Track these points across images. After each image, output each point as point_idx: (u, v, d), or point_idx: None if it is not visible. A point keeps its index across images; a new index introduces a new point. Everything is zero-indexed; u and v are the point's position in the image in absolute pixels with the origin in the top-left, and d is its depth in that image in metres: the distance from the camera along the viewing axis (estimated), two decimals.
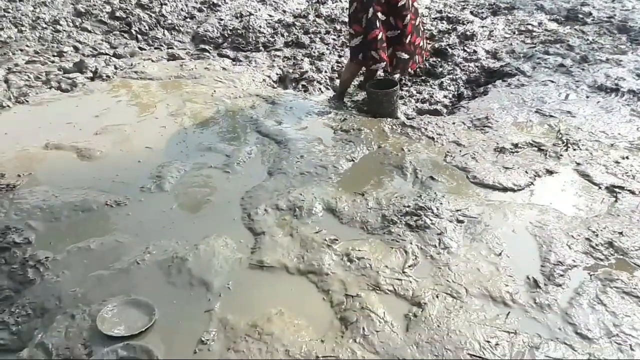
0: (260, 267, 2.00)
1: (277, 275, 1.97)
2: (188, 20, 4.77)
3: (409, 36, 3.29)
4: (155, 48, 4.31)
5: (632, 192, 2.57)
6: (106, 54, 4.09)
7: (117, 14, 4.65)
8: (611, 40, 5.07)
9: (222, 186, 2.53)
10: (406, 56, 3.36)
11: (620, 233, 2.23)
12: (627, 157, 2.90)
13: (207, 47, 4.41)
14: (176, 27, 4.61)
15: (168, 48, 4.34)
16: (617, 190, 2.58)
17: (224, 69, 3.96)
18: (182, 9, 4.92)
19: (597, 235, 2.21)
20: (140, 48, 4.30)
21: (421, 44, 3.47)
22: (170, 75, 3.77)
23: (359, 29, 3.19)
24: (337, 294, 1.87)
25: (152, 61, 4.05)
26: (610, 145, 3.06)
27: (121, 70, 3.84)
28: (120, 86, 3.62)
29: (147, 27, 4.56)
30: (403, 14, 3.20)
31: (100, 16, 4.60)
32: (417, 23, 3.33)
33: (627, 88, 3.88)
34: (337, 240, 2.14)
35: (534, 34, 5.23)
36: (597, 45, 4.89)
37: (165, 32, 4.55)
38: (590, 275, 1.99)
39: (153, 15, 4.71)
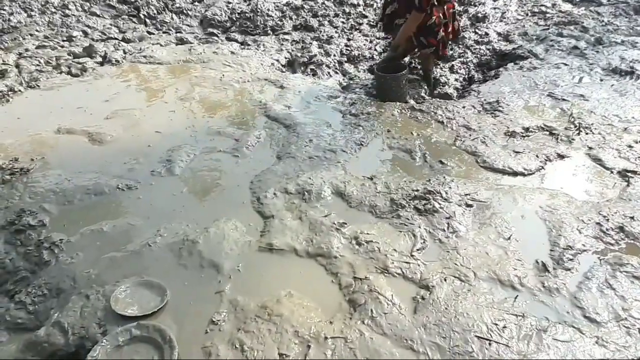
0: (269, 250, 2.02)
1: (286, 258, 2.00)
2: (196, 3, 4.73)
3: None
4: (164, 32, 4.30)
5: None
6: (115, 39, 4.09)
7: None
8: (627, 22, 4.94)
9: (232, 170, 2.55)
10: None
11: (632, 218, 2.20)
12: None
13: (215, 30, 4.38)
14: (184, 11, 4.58)
15: (176, 32, 4.33)
16: (629, 174, 2.55)
17: (232, 53, 3.95)
18: None
19: (607, 220, 2.19)
20: (148, 32, 4.29)
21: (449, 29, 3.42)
22: (178, 60, 3.76)
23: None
24: (345, 277, 1.89)
25: (161, 45, 4.05)
26: (624, 129, 3.01)
27: (130, 54, 3.84)
28: (130, 71, 3.63)
29: (155, 11, 4.54)
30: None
31: (109, 1, 4.58)
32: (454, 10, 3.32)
33: None
34: (345, 223, 2.15)
35: (548, 15, 5.11)
36: (612, 26, 4.77)
37: (174, 16, 4.53)
38: (600, 260, 1.98)
39: None
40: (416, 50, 3.50)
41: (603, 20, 4.94)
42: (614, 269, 1.92)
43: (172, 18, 4.48)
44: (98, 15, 4.40)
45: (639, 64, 3.94)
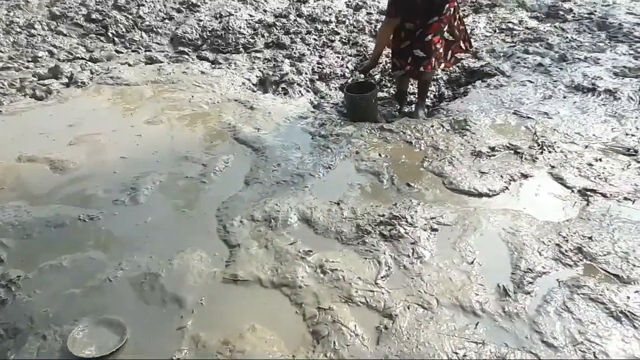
0: (234, 281, 2.00)
1: (250, 289, 1.98)
2: (166, 21, 4.70)
3: (430, 35, 3.18)
4: (133, 51, 4.25)
5: (604, 195, 2.60)
6: (82, 59, 4.03)
7: (93, 16, 4.57)
8: (590, 38, 5.10)
9: (198, 197, 2.53)
10: (422, 54, 3.27)
11: (590, 238, 2.26)
12: (600, 159, 2.94)
13: (186, 49, 4.37)
14: (154, 29, 4.55)
15: (146, 51, 4.29)
16: (589, 193, 2.62)
17: (202, 72, 3.93)
18: (160, 10, 4.85)
19: (567, 241, 2.24)
20: (117, 51, 4.24)
21: (441, 50, 3.36)
22: (147, 80, 3.73)
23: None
24: (309, 307, 1.88)
25: (129, 65, 4.00)
26: (585, 147, 3.10)
27: (97, 75, 3.79)
28: (96, 93, 3.58)
29: (124, 30, 4.49)
30: (431, 13, 3.11)
31: (76, 19, 4.52)
32: (444, 27, 3.23)
33: (604, 88, 3.92)
34: (311, 251, 2.15)
35: (515, 32, 5.25)
36: (576, 43, 4.92)
37: (143, 34, 4.49)
38: (559, 282, 2.02)
39: (130, 17, 4.64)
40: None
41: (567, 37, 5.10)
42: (571, 292, 1.97)
43: (141, 36, 4.45)
44: (65, 35, 4.34)
45: (600, 80, 4.07)
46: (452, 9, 3.19)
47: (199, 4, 5.06)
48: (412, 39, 3.20)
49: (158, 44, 4.42)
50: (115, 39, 4.42)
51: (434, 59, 3.31)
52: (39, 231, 2.24)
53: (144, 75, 3.83)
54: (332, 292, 1.95)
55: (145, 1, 4.94)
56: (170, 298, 1.90)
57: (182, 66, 4.01)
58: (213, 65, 4.16)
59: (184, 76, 3.83)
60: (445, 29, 3.21)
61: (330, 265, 2.07)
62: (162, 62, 4.12)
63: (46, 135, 3.01)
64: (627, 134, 3.28)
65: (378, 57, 3.42)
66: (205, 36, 4.56)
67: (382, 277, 2.02)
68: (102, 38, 4.43)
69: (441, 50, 3.33)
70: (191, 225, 2.34)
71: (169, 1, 5.04)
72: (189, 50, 4.38)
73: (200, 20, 4.76)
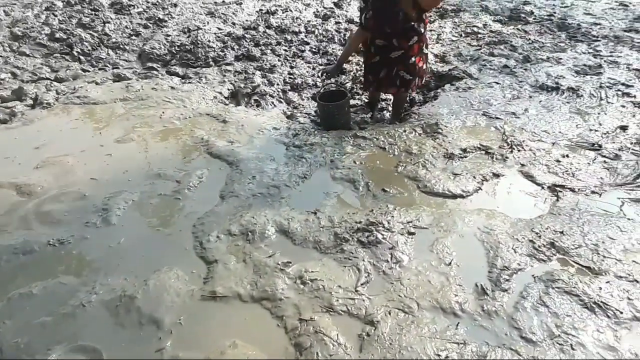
0: (212, 298, 1.97)
1: (230, 304, 1.95)
2: (133, 37, 4.64)
3: (414, 58, 3.22)
4: (100, 69, 4.18)
5: (572, 190, 2.69)
6: (47, 79, 3.93)
7: (57, 35, 4.47)
8: (551, 39, 5.29)
9: (173, 214, 2.48)
10: (409, 76, 3.32)
11: (562, 232, 2.33)
12: (567, 155, 3.04)
13: (154, 65, 4.31)
14: (121, 46, 4.48)
15: (113, 68, 4.22)
16: (558, 189, 2.70)
17: (172, 88, 3.88)
18: (126, 27, 4.79)
19: (540, 237, 2.30)
20: (83, 70, 4.16)
21: (424, 67, 3.42)
22: (115, 98, 3.66)
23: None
24: (291, 319, 1.87)
25: (97, 83, 3.93)
26: (552, 144, 3.19)
27: (63, 95, 3.69)
28: (62, 113, 3.49)
29: (90, 48, 4.41)
30: (410, 35, 3.13)
31: (39, 39, 4.41)
32: (423, 46, 3.25)
33: (567, 86, 4.06)
34: (290, 262, 2.14)
35: (480, 35, 5.40)
36: (538, 44, 5.10)
37: (110, 51, 4.41)
38: (534, 278, 2.07)
39: (96, 34, 4.56)
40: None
41: (530, 38, 5.28)
42: (546, 286, 2.01)
43: (108, 54, 4.37)
44: (28, 55, 4.22)
45: (563, 79, 4.22)
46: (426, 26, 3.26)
47: (166, 19, 5.02)
48: (382, 55, 3.22)
49: (126, 60, 4.35)
50: (81, 57, 4.33)
51: (418, 79, 3.41)
52: (7, 259, 2.16)
53: (112, 93, 3.76)
54: (313, 302, 1.94)
55: (111, 18, 4.87)
56: (148, 320, 1.86)
57: (151, 82, 3.95)
58: (183, 80, 4.12)
59: (153, 92, 3.78)
60: (424, 47, 3.29)
61: (310, 275, 2.06)
62: (130, 79, 4.05)
63: (11, 160, 2.91)
64: (590, 130, 3.40)
65: (343, 63, 3.44)
66: (174, 51, 4.52)
67: (362, 284, 2.03)
68: (67, 57, 4.33)
69: (424, 67, 3.42)
70: (167, 244, 2.29)
71: (135, 17, 4.98)
72: (158, 65, 4.32)
73: (168, 36, 4.72)
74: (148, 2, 5.45)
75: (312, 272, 2.08)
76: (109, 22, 4.76)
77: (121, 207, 2.50)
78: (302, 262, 2.14)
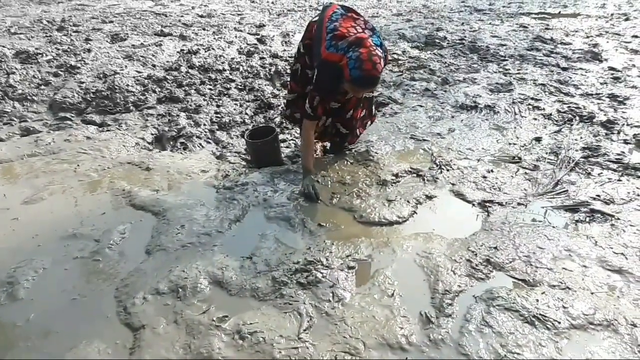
0: None
1: None
2: (42, 87, 4.32)
3: (351, 111, 3.15)
4: (5, 124, 3.81)
5: (501, 204, 2.78)
6: None
7: None
8: (465, 61, 5.65)
9: (92, 279, 2.23)
10: (345, 131, 3.27)
11: (495, 248, 2.37)
12: (492, 171, 3.16)
13: (68, 114, 4.02)
14: (28, 97, 4.14)
15: (20, 122, 3.87)
16: (487, 204, 2.78)
17: (88, 138, 3.62)
18: (34, 76, 4.46)
19: (476, 255, 2.32)
20: None
21: (362, 114, 3.33)
22: (22, 155, 3.33)
23: (296, 87, 3.25)
24: None
25: (1, 140, 3.57)
26: (477, 161, 3.32)
27: None
28: None
29: None
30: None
31: None
32: (361, 97, 3.09)
33: (484, 104, 4.31)
34: (226, 316, 1.98)
35: (400, 61, 5.64)
36: (454, 66, 5.42)
37: (16, 104, 4.06)
38: (475, 298, 2.07)
39: None
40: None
41: (446, 62, 5.60)
42: (487, 305, 2.01)
43: (13, 107, 4.01)
44: None
45: (480, 97, 4.47)
46: None
47: (79, 65, 4.75)
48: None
49: (35, 112, 4.01)
50: None
51: (357, 131, 3.40)
52: None
53: (19, 148, 3.42)
54: (253, 357, 1.79)
55: (16, 68, 4.52)
56: None
57: (63, 134, 3.66)
58: (101, 128, 3.86)
59: (66, 144, 3.49)
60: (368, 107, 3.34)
61: (249, 328, 1.91)
62: (40, 131, 3.73)
63: None
64: (509, 144, 3.59)
65: (310, 165, 2.98)
66: (89, 98, 4.25)
67: (304, 330, 1.91)
68: None
69: (365, 115, 3.42)
70: (85, 314, 2.04)
71: (44, 66, 4.66)
72: (72, 115, 4.03)
73: (82, 82, 4.44)
74: (58, 50, 5.14)
75: (250, 324, 1.93)
76: (13, 73, 4.40)
77: (29, 278, 2.21)
78: (240, 314, 1.99)
